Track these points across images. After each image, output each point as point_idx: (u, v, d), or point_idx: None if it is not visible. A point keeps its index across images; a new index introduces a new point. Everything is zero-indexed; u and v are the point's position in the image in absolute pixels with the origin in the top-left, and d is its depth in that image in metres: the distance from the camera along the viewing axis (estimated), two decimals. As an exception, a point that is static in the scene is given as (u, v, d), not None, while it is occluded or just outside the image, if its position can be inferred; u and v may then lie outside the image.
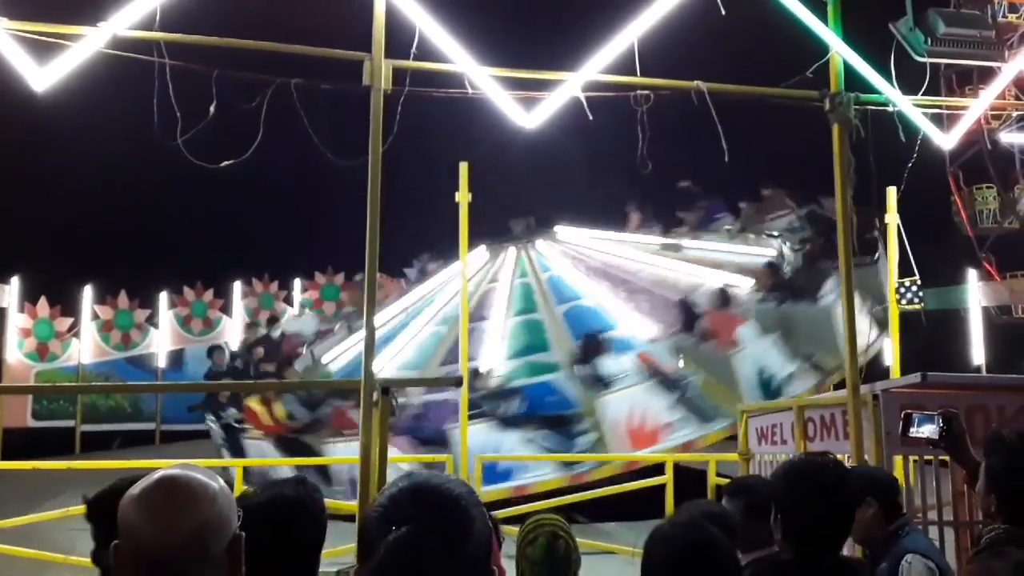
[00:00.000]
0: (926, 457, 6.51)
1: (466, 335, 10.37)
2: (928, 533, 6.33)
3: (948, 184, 26.77)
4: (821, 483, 2.67)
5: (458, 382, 8.50)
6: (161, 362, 24.21)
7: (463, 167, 10.88)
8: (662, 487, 9.98)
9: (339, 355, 16.77)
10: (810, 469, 2.76)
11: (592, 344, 13.67)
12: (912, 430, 3.28)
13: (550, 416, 12.66)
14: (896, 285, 10.68)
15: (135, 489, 1.65)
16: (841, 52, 6.95)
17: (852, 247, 6.96)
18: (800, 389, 12.63)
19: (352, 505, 6.55)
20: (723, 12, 6.53)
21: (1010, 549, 2.27)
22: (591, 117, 6.70)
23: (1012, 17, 22.31)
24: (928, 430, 3.23)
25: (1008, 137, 25.18)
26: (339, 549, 8.53)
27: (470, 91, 6.71)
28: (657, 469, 10.36)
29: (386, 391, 6.00)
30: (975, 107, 7.95)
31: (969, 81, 22.46)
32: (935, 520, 6.45)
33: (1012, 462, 2.55)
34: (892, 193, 9.54)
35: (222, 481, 1.74)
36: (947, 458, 3.38)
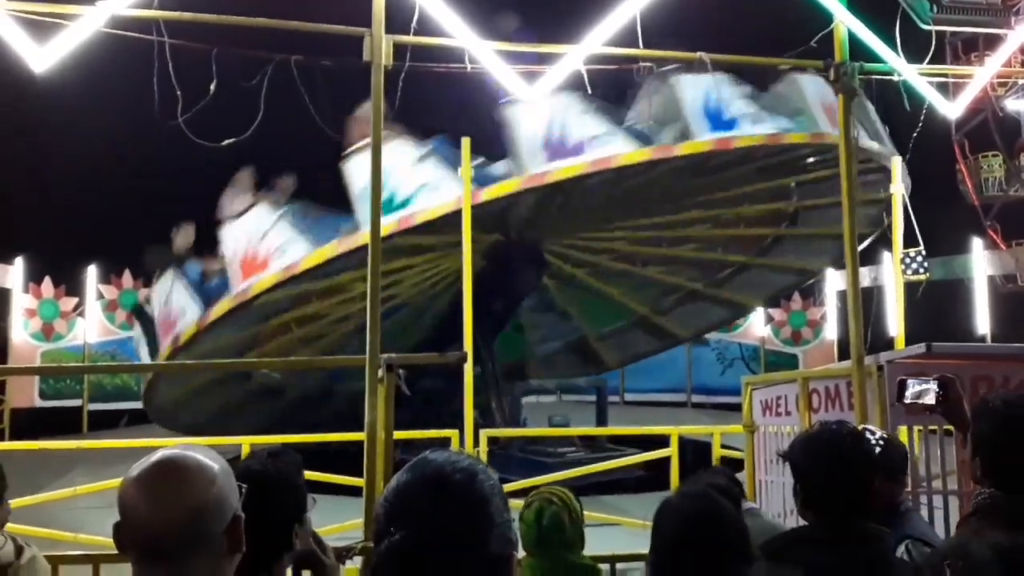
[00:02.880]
0: (930, 427, 6.52)
1: (470, 312, 10.37)
2: (932, 503, 6.37)
3: (953, 153, 26.65)
4: (838, 451, 2.70)
5: (462, 359, 8.50)
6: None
7: (465, 142, 10.84)
8: (667, 459, 10.01)
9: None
10: (826, 437, 2.77)
11: None
12: (908, 396, 3.28)
13: None
14: (901, 256, 10.66)
15: (134, 469, 1.67)
16: (845, 21, 6.88)
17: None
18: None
19: (359, 480, 6.57)
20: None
21: (994, 532, 2.30)
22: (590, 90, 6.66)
23: (1019, -16, 22.15)
24: (924, 395, 3.23)
25: (1014, 104, 25.02)
26: (347, 524, 8.62)
27: (470, 67, 6.67)
28: (662, 442, 10.39)
29: (391, 368, 6.01)
30: (981, 75, 7.88)
31: (975, 48, 22.31)
32: (940, 489, 6.48)
33: (997, 427, 2.56)
34: (897, 162, 9.49)
35: (224, 462, 1.74)
36: (952, 428, 3.35)
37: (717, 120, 12.99)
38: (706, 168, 14.50)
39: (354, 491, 9.04)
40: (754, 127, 13.15)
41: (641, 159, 12.85)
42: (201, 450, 1.74)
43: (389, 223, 11.99)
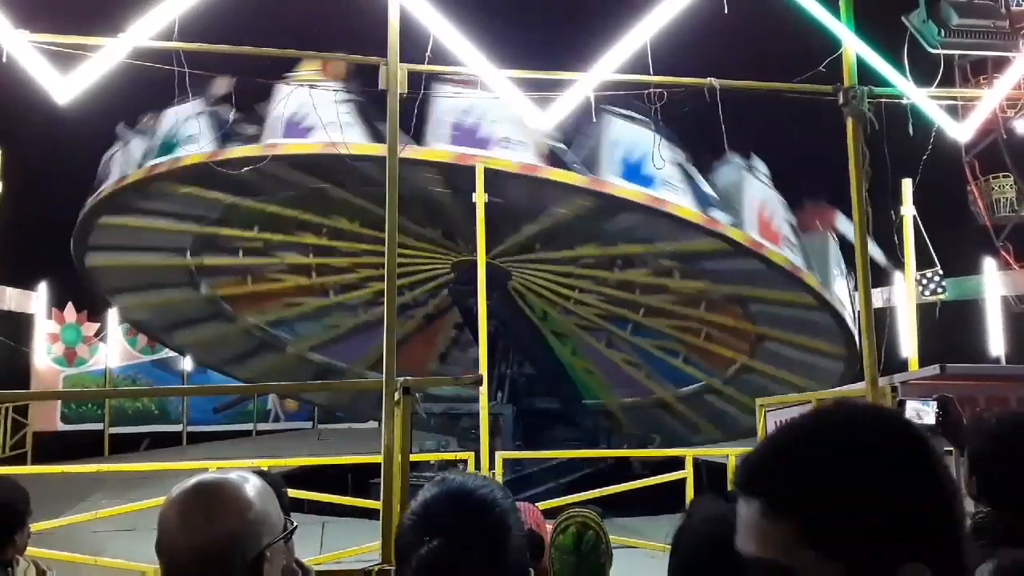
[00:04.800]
0: (946, 448, 6.51)
1: (485, 336, 10.43)
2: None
3: (964, 174, 26.54)
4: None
5: (478, 380, 8.57)
6: (187, 365, 24.46)
7: (479, 168, 10.95)
8: (682, 481, 10.01)
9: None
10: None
11: None
12: (907, 417, 3.27)
13: None
14: (918, 276, 10.64)
15: (175, 489, 1.70)
16: (854, 46, 6.96)
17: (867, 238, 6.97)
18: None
19: (376, 503, 6.63)
20: (726, 10, 6.55)
21: (1006, 550, 2.30)
22: (595, 119, 6.73)
23: (1027, 5, 22.08)
24: (923, 415, 3.22)
25: (1024, 127, 24.90)
26: (364, 547, 8.66)
27: (483, 93, 6.78)
28: (677, 464, 10.39)
29: (407, 391, 6.09)
30: (989, 98, 7.93)
31: (984, 70, 22.24)
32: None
33: (993, 445, 2.55)
34: (907, 185, 9.53)
35: (267, 493, 1.74)
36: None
37: (632, 170, 12.50)
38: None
39: (366, 513, 9.13)
40: (677, 197, 12.63)
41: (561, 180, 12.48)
42: (246, 479, 1.73)
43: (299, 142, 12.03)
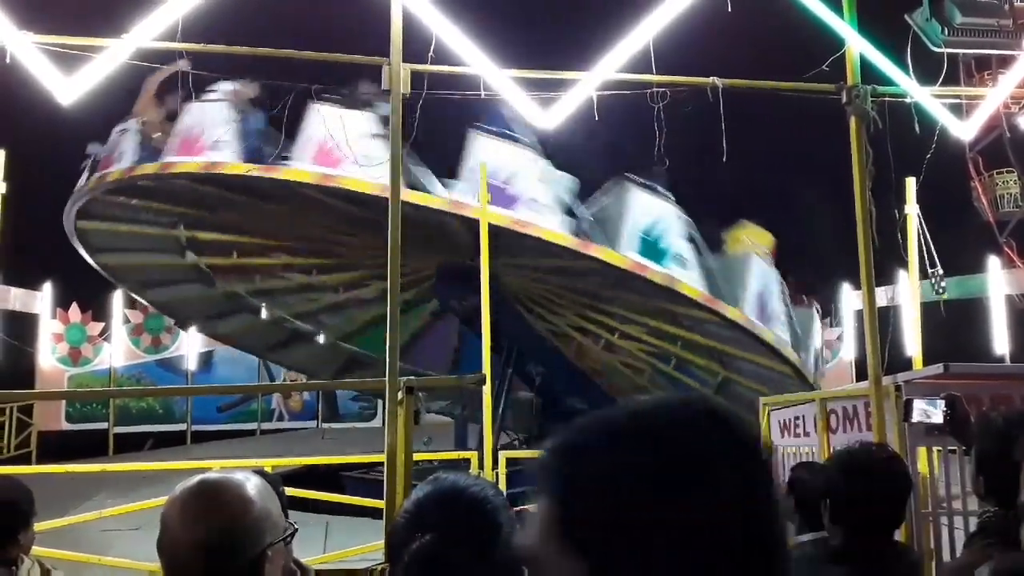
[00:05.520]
0: (949, 447, 6.50)
1: (488, 337, 10.42)
2: (952, 523, 6.34)
3: (967, 172, 26.50)
4: (871, 467, 2.72)
5: (481, 381, 8.57)
6: (191, 364, 24.51)
7: (482, 168, 10.95)
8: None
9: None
10: (862, 454, 2.80)
11: None
12: (915, 415, 3.27)
13: None
14: (928, 273, 10.62)
15: (178, 487, 1.72)
16: (857, 45, 6.95)
17: (872, 241, 6.95)
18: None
19: (379, 502, 6.64)
20: (729, 8, 6.54)
21: (1000, 550, 2.30)
22: (597, 119, 6.73)
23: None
24: (931, 414, 3.22)
25: (1028, 123, 24.85)
26: (368, 546, 8.68)
27: (483, 94, 6.78)
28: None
29: (411, 390, 6.09)
30: (993, 97, 7.92)
31: (988, 66, 22.22)
32: (960, 510, 6.45)
33: (999, 444, 2.56)
34: (911, 184, 9.52)
35: (268, 493, 1.74)
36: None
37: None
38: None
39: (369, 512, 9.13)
40: (685, 271, 12.98)
41: (557, 240, 12.58)
42: (250, 479, 1.74)
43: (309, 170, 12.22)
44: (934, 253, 9.22)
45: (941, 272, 10.01)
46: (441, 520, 1.59)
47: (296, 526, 1.83)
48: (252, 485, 1.73)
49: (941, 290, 10.17)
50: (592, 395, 16.05)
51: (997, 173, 26.65)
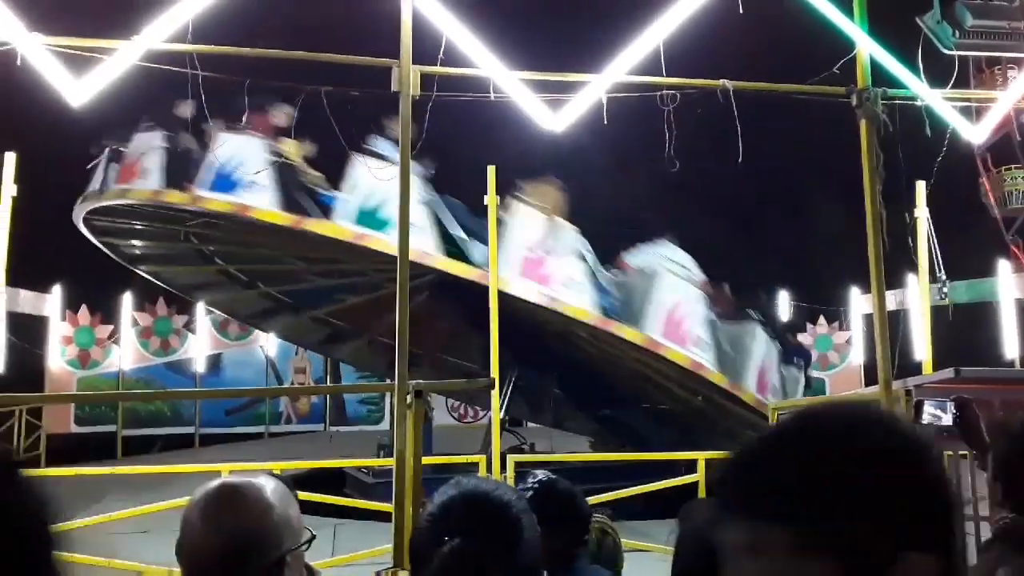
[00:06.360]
0: (961, 452, 6.45)
1: (496, 338, 10.41)
2: (964, 529, 6.29)
3: (977, 174, 26.39)
4: None
5: (491, 384, 8.56)
6: (200, 367, 24.55)
7: (491, 170, 10.93)
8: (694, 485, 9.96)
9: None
10: None
11: None
12: (924, 417, 3.23)
13: None
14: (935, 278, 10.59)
15: (198, 491, 1.71)
16: (868, 48, 6.93)
17: (882, 243, 6.93)
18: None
19: (388, 506, 6.62)
20: (741, 11, 6.53)
21: (1017, 558, 2.26)
22: (606, 122, 6.72)
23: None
24: (941, 417, 3.18)
25: (1037, 121, 24.72)
26: (376, 550, 8.65)
27: (493, 96, 6.77)
28: (689, 467, 10.35)
29: (419, 394, 6.08)
30: (1004, 100, 7.88)
31: (998, 60, 22.11)
32: (971, 515, 6.41)
33: (1016, 449, 2.52)
34: (921, 187, 9.49)
35: (287, 497, 1.73)
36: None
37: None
38: None
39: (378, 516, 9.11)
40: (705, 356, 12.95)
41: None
42: (271, 484, 1.73)
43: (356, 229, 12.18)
44: (940, 261, 9.19)
45: (945, 278, 10.01)
46: (468, 523, 1.59)
47: (314, 533, 1.81)
48: (271, 489, 1.72)
49: (943, 296, 10.15)
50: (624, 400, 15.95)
51: (1006, 169, 26.48)
